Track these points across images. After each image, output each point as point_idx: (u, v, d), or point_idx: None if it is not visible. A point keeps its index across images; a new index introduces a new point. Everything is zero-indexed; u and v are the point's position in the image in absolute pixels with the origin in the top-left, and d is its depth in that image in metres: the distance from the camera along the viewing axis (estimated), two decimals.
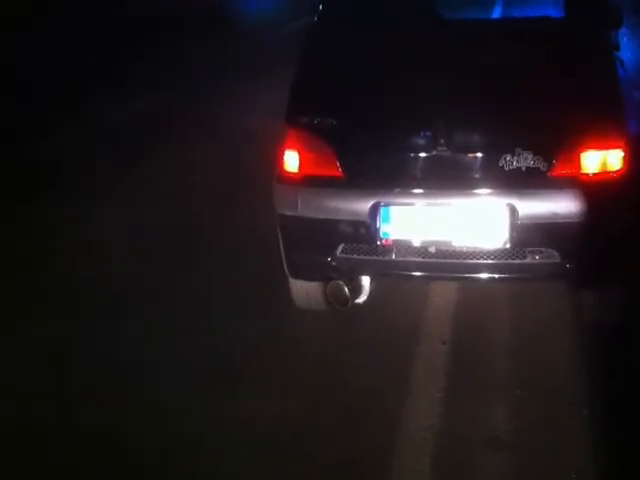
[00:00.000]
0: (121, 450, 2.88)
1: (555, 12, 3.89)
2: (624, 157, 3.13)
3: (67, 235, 4.77)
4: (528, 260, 3.15)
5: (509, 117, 3.18)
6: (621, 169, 3.13)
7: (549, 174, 3.11)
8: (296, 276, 3.49)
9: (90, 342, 3.58)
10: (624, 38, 5.86)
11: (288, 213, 3.34)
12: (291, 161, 3.33)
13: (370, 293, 3.57)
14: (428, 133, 3.19)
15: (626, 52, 5.86)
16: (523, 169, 3.10)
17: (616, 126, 3.17)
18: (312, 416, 3.03)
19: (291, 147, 3.34)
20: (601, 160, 3.12)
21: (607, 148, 3.12)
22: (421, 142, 3.22)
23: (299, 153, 3.31)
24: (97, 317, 3.80)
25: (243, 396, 3.14)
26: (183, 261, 4.36)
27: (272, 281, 3.80)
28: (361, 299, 3.54)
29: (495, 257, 3.16)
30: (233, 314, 3.77)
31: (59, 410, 3.12)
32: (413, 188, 3.21)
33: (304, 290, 3.54)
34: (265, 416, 3.02)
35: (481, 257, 3.18)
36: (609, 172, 3.13)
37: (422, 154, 3.22)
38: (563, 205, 3.08)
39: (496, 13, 4.86)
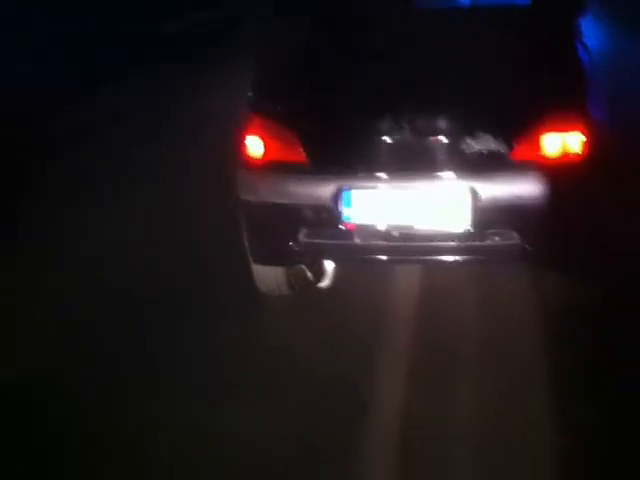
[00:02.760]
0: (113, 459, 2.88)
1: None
2: (585, 141, 3.15)
3: None
4: (489, 242, 3.17)
5: (470, 100, 3.19)
6: (581, 153, 3.15)
7: (510, 157, 3.13)
8: (259, 261, 3.49)
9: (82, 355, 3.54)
10: (589, 25, 5.90)
11: (251, 199, 3.35)
12: (254, 147, 3.33)
13: (334, 277, 3.57)
14: (390, 117, 3.19)
15: (591, 39, 5.90)
16: (484, 152, 3.12)
17: (577, 110, 3.19)
18: (275, 406, 3.03)
19: (254, 133, 3.34)
20: (561, 143, 3.14)
21: (567, 131, 3.14)
22: (383, 126, 3.22)
23: (262, 139, 3.31)
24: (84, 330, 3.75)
25: (222, 394, 3.14)
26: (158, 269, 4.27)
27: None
28: (324, 283, 3.55)
29: (457, 239, 3.18)
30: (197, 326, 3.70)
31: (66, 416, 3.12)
32: (375, 172, 3.21)
33: (267, 275, 3.54)
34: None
35: (444, 240, 3.20)
36: (570, 156, 3.14)
37: (384, 138, 3.22)
38: (523, 188, 3.10)
39: (466, 0, 4.89)
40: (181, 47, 9.66)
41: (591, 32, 5.80)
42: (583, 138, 3.15)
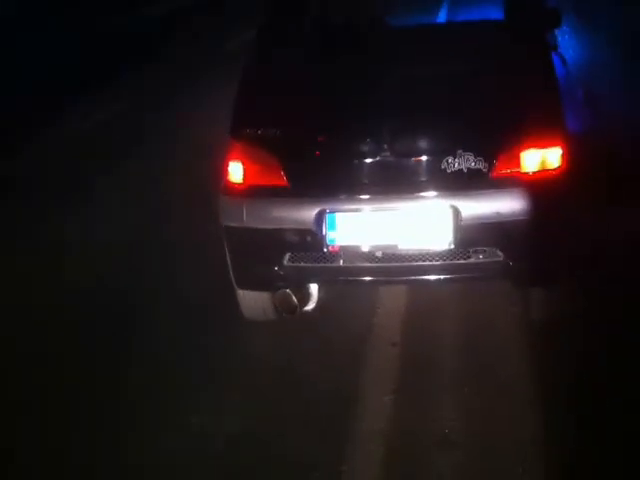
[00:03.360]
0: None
1: (498, 15, 3.95)
2: (563, 155, 3.17)
3: None
4: (472, 260, 3.18)
5: (450, 119, 3.21)
6: (560, 167, 3.17)
7: (490, 174, 3.14)
8: (244, 287, 3.48)
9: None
10: (565, 36, 5.97)
11: (234, 224, 3.34)
12: (236, 172, 3.34)
13: (320, 299, 3.57)
14: (371, 139, 3.20)
15: (568, 50, 5.97)
16: (465, 170, 3.13)
17: (554, 124, 3.22)
18: (265, 422, 3.04)
19: (236, 158, 3.35)
20: (540, 159, 3.16)
21: (546, 146, 3.16)
22: (364, 148, 3.22)
23: (243, 164, 3.32)
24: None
25: (200, 401, 3.16)
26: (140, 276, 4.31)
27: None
28: (310, 307, 3.54)
29: (440, 258, 3.19)
30: (191, 327, 3.74)
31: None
32: (357, 194, 3.22)
33: (252, 300, 3.53)
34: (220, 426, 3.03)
35: (427, 259, 3.20)
36: (549, 170, 3.17)
37: (365, 160, 3.23)
38: (504, 204, 3.12)
39: (442, 17, 4.94)
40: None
41: (567, 42, 5.90)
42: (561, 152, 3.18)
